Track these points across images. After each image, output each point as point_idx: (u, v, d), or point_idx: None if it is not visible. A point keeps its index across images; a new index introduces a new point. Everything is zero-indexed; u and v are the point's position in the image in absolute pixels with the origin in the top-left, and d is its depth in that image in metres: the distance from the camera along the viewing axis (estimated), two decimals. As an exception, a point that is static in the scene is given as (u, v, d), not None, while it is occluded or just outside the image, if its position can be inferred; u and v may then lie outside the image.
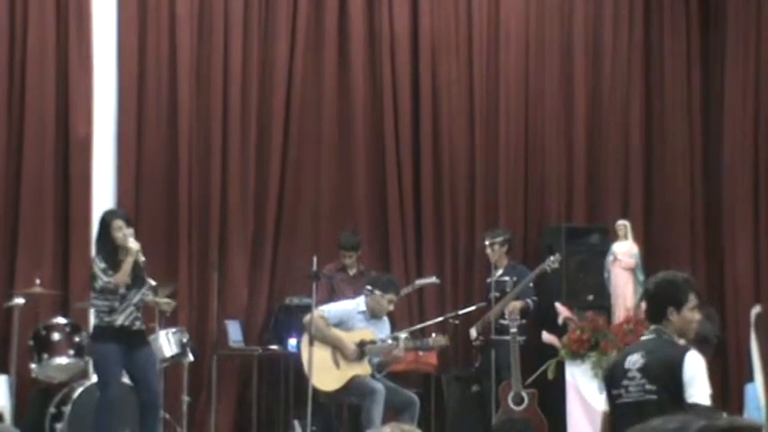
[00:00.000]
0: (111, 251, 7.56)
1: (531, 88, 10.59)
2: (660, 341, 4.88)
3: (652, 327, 4.95)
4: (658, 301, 4.94)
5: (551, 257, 9.28)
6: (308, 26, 10.04)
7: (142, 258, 7.60)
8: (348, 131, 10.17)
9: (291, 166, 9.96)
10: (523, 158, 10.58)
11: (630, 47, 10.85)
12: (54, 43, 9.33)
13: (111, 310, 7.53)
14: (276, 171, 9.90)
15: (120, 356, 7.53)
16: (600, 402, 8.31)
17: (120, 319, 7.54)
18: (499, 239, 9.52)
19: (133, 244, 7.50)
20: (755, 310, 9.13)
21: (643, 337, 5.07)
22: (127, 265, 7.46)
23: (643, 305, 8.79)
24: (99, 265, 7.56)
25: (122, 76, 9.56)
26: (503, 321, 9.13)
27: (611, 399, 4.91)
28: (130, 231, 7.57)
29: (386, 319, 8.57)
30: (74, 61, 9.35)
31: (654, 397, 4.76)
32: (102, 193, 9.38)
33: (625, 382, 4.82)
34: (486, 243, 9.56)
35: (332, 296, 9.10)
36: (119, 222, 7.60)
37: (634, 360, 4.85)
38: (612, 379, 4.94)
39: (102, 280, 7.51)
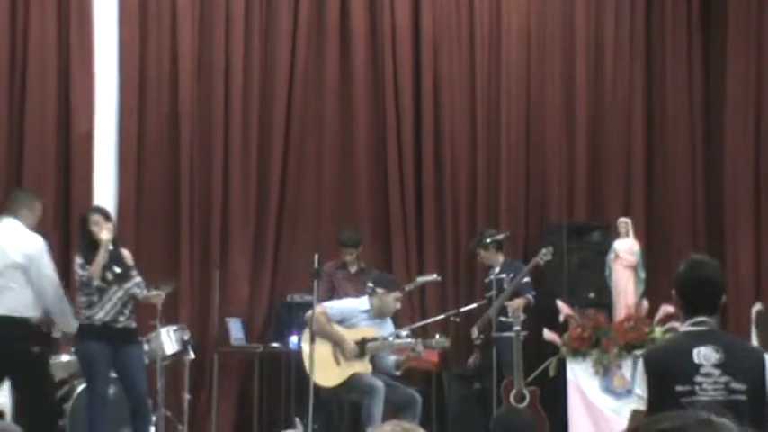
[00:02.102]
0: (88, 246, 7.49)
1: (533, 84, 10.64)
2: (727, 335, 4.48)
3: (702, 318, 4.45)
4: (720, 290, 4.52)
5: (543, 250, 9.29)
6: (309, 22, 10.07)
7: (110, 248, 7.47)
8: (349, 128, 10.20)
9: (293, 163, 10.00)
10: (525, 155, 10.61)
11: (632, 43, 10.90)
12: (55, 40, 9.35)
13: (90, 305, 7.46)
14: (278, 168, 9.93)
15: (106, 354, 7.46)
16: (600, 399, 8.48)
17: (100, 314, 7.44)
18: (487, 241, 9.53)
19: (104, 235, 7.41)
20: (756, 307, 9.15)
21: (694, 328, 4.48)
22: (99, 257, 7.37)
23: (645, 302, 8.91)
24: (77, 260, 7.53)
25: (124, 72, 9.57)
26: (503, 319, 9.15)
27: (672, 395, 4.36)
28: (108, 225, 7.50)
29: (389, 319, 8.59)
30: (75, 58, 9.36)
31: (743, 398, 4.33)
32: (104, 191, 9.38)
33: (698, 379, 4.35)
34: (481, 252, 9.61)
35: (332, 293, 9.12)
36: (95, 217, 7.52)
37: (705, 354, 4.37)
38: (676, 374, 4.39)
39: (78, 273, 7.49)
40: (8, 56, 9.24)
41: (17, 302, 7.26)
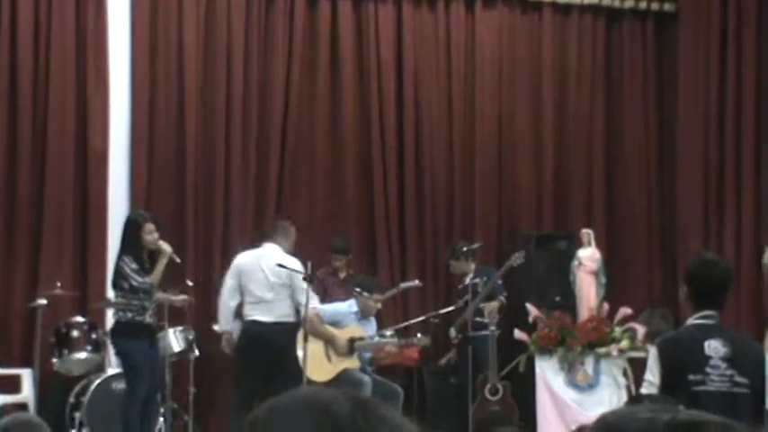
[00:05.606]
0: (141, 253, 7.73)
1: (504, 111, 10.94)
2: (731, 330, 4.57)
3: (710, 312, 4.52)
4: (729, 287, 4.59)
5: (516, 254, 9.59)
6: (302, 54, 10.40)
7: (178, 260, 7.89)
8: (339, 146, 10.54)
9: (287, 180, 10.33)
10: (497, 172, 10.91)
11: (593, 73, 11.23)
12: (74, 69, 9.78)
13: (143, 309, 7.72)
14: (274, 184, 10.28)
15: (149, 355, 7.77)
16: (565, 392, 8.71)
17: (147, 318, 7.78)
18: (460, 252, 9.90)
19: (166, 246, 7.73)
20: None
21: (703, 321, 4.54)
22: (161, 267, 7.70)
23: (606, 305, 9.06)
24: (130, 265, 7.68)
25: (135, 97, 9.99)
26: (478, 319, 9.46)
27: (685, 384, 4.41)
28: (158, 234, 7.81)
29: (372, 318, 9.11)
30: (92, 84, 9.80)
31: (746, 391, 4.39)
32: (117, 203, 9.77)
33: (708, 370, 4.39)
34: (453, 263, 9.98)
35: (324, 297, 9.52)
36: (150, 226, 7.76)
37: (714, 347, 4.41)
38: (689, 364, 4.45)
39: (137, 280, 7.67)
40: (31, 83, 9.70)
41: (284, 311, 8.38)
